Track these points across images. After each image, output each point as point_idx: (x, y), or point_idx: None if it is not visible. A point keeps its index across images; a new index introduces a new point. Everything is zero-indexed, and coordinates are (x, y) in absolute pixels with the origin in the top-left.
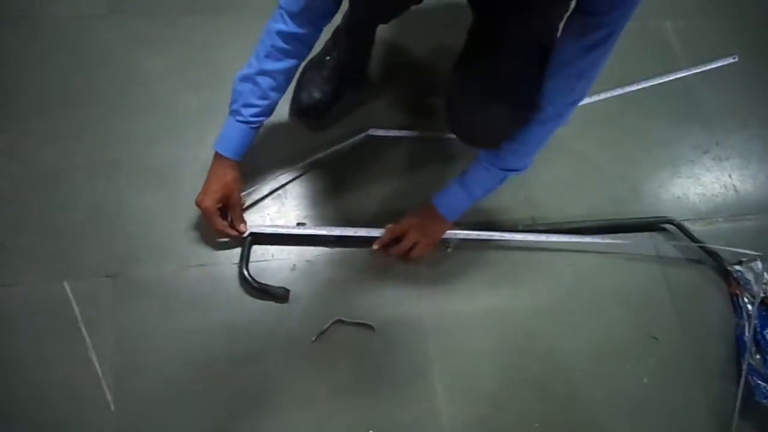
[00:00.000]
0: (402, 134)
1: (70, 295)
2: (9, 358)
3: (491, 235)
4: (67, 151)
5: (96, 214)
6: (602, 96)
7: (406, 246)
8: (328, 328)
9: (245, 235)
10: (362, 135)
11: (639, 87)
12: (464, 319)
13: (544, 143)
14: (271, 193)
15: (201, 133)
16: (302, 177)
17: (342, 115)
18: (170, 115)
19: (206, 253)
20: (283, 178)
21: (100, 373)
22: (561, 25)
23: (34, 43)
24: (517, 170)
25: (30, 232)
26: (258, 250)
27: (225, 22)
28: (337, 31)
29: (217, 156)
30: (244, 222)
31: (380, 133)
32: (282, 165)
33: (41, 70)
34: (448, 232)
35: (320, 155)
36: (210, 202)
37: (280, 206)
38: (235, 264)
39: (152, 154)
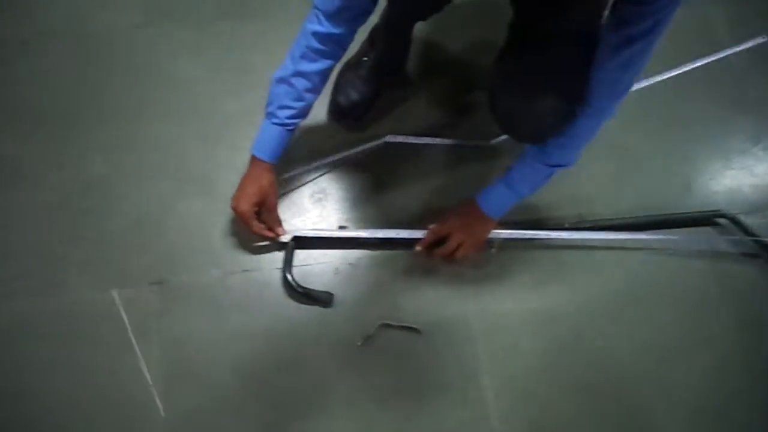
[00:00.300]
0: (421, 141)
1: (119, 303)
2: (60, 366)
3: (537, 234)
4: (112, 161)
5: (141, 221)
6: (645, 83)
7: (450, 247)
8: (374, 332)
9: (288, 239)
10: (379, 141)
11: (683, 70)
12: (512, 320)
13: (592, 137)
14: (300, 185)
15: (241, 137)
16: (342, 179)
17: (380, 115)
18: (210, 120)
19: (250, 258)
20: (316, 175)
21: (149, 379)
22: (606, 13)
23: (74, 56)
24: (563, 165)
25: (78, 241)
26: (300, 255)
27: (260, 25)
28: (374, 31)
29: (253, 159)
30: (281, 225)
31: (399, 139)
32: (314, 162)
33: (81, 82)
34: (493, 231)
35: (346, 153)
36: (246, 206)
37: (321, 209)
38: (278, 269)
39: (194, 160)
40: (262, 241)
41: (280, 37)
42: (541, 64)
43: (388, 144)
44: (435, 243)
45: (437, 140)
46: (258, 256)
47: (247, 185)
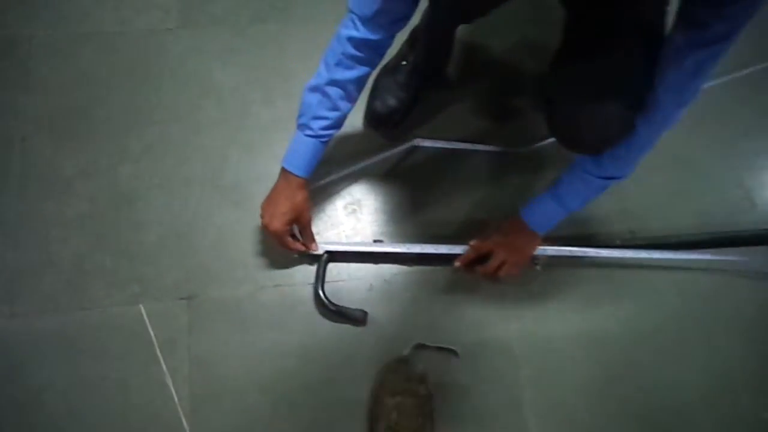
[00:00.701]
0: (451, 146)
1: (146, 318)
2: (87, 381)
3: (585, 252)
4: (141, 170)
5: (170, 233)
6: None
7: (493, 266)
8: (409, 353)
9: (320, 253)
10: (407, 145)
11: (747, 72)
12: (557, 344)
13: (651, 147)
14: (333, 195)
15: (273, 147)
16: (377, 189)
17: (419, 122)
18: (242, 129)
19: (281, 273)
20: (348, 183)
21: (176, 398)
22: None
23: (107, 60)
24: (618, 178)
25: (107, 253)
26: (333, 269)
27: (295, 29)
28: (414, 32)
29: (285, 173)
30: (315, 240)
31: (427, 143)
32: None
33: (114, 86)
34: (538, 248)
35: (374, 159)
36: (279, 225)
37: (356, 222)
38: (310, 284)
39: (225, 170)
40: (295, 255)
41: (321, 43)
42: (602, 66)
43: (425, 152)
44: (476, 260)
45: (472, 146)
46: (290, 270)
47: (279, 202)
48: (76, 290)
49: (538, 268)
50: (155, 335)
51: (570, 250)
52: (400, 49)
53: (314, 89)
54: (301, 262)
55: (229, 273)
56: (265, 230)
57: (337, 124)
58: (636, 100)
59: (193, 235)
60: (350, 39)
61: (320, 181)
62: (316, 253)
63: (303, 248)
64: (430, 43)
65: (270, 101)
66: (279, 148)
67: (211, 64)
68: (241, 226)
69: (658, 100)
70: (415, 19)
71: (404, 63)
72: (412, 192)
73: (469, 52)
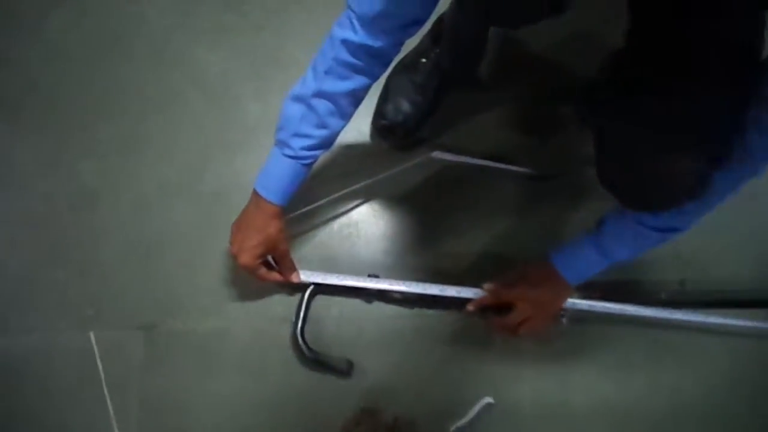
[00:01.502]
0: (477, 162)
1: (95, 348)
2: (26, 416)
3: (624, 310)
4: (107, 167)
5: (134, 246)
6: None
7: (513, 321)
8: (403, 414)
9: (304, 281)
10: (422, 158)
11: None
12: (578, 412)
13: (725, 200)
14: (327, 219)
15: (263, 151)
16: (379, 211)
17: (437, 133)
18: (228, 126)
19: (256, 305)
20: (347, 206)
21: None
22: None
23: (77, 30)
24: (680, 230)
25: (59, 265)
26: (318, 305)
27: (301, 9)
28: (439, 23)
29: (256, 197)
30: (296, 271)
31: (448, 158)
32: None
33: (83, 62)
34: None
35: (382, 175)
36: (249, 259)
37: (350, 249)
38: (289, 321)
39: (204, 173)
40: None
41: (322, 29)
42: (676, 100)
43: (442, 169)
44: (492, 306)
45: (499, 164)
46: (267, 301)
47: (248, 234)
48: (21, 308)
49: (564, 321)
50: (104, 369)
51: (605, 306)
52: (422, 42)
53: (297, 99)
54: (280, 291)
55: (195, 301)
56: (234, 261)
57: (324, 144)
58: (720, 150)
59: (159, 251)
60: (345, 42)
61: (307, 206)
62: (300, 282)
63: (280, 278)
64: (457, 40)
65: (263, 95)
66: (267, 153)
67: (198, 45)
68: (216, 244)
69: (749, 146)
70: (445, 5)
71: (424, 60)
72: (422, 217)
73: (506, 48)
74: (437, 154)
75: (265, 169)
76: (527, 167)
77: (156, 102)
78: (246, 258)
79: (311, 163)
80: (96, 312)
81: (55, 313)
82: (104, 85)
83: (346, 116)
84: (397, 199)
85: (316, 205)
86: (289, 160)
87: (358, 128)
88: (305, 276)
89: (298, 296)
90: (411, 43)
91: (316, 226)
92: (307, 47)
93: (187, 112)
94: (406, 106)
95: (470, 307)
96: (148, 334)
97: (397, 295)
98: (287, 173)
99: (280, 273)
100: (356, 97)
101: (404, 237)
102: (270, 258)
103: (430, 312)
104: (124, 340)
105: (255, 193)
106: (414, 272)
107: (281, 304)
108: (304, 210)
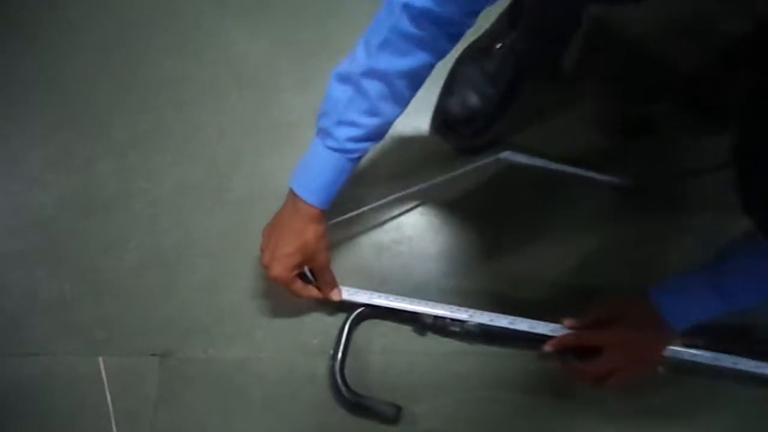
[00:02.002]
0: (559, 168)
1: (104, 375)
2: None
3: (737, 363)
4: (126, 168)
5: (151, 260)
6: None
7: (601, 370)
8: None
9: (348, 304)
10: (489, 159)
11: None
12: None
13: None
14: (372, 227)
15: (302, 151)
16: (436, 223)
17: (510, 127)
18: (264, 122)
19: (290, 333)
20: (397, 212)
21: None
22: None
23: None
24: None
25: (66, 279)
26: (362, 334)
27: None
28: (517, 3)
29: (293, 198)
30: (337, 287)
31: (521, 160)
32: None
33: (102, 47)
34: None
35: (441, 179)
36: (283, 270)
37: (401, 269)
38: (326, 354)
39: (234, 177)
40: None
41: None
42: None
43: (514, 173)
44: (576, 348)
45: (585, 171)
46: (302, 327)
47: (283, 238)
48: (21, 327)
49: (661, 370)
50: (112, 400)
51: (716, 357)
52: (495, 24)
53: (344, 79)
54: (317, 310)
55: (219, 324)
56: (265, 273)
57: (375, 135)
58: None
59: (180, 265)
60: (407, 7)
61: (352, 211)
62: (340, 300)
63: (318, 294)
64: (541, 24)
65: (305, 88)
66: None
67: (234, 29)
68: (244, 258)
69: None
70: None
71: (498, 46)
72: (487, 232)
73: (594, 34)
74: (508, 155)
75: (304, 163)
76: (616, 175)
77: (180, 95)
78: (279, 269)
79: (358, 158)
80: (107, 334)
81: (61, 334)
82: (122, 74)
83: (402, 102)
84: (458, 209)
85: (360, 211)
86: (333, 153)
87: (415, 125)
88: (348, 294)
89: (335, 320)
90: (480, 25)
91: (359, 237)
92: (359, 32)
93: (218, 105)
94: (474, 100)
95: (548, 348)
96: (163, 361)
97: (456, 327)
98: (329, 169)
99: (318, 288)
100: (416, 79)
101: (465, 256)
102: (307, 270)
103: (495, 350)
104: (136, 367)
105: (291, 192)
106: (476, 299)
107: (318, 332)
108: (345, 216)
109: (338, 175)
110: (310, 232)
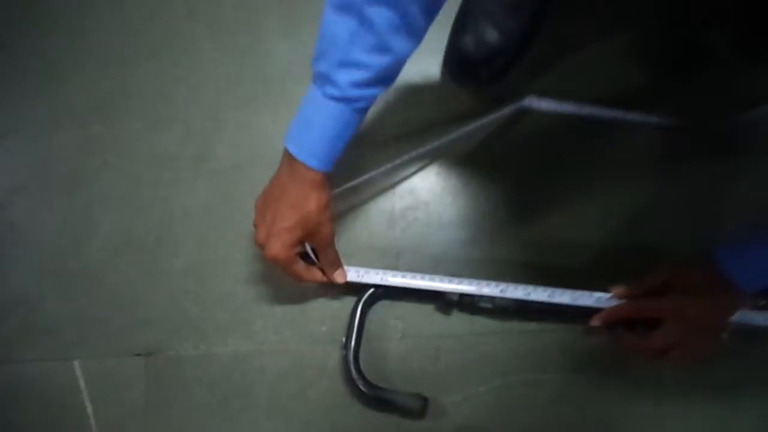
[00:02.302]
0: (588, 112)
1: (81, 381)
2: None
3: None
4: (87, 139)
5: (127, 246)
6: None
7: (661, 344)
8: None
9: (358, 286)
10: (512, 107)
11: None
12: None
13: None
14: (379, 192)
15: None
16: (454, 186)
17: (534, 69)
18: (242, 75)
19: (294, 321)
20: (407, 172)
21: None
22: None
23: None
24: None
25: (31, 274)
26: (377, 314)
27: None
28: None
29: (290, 160)
30: (342, 267)
31: (546, 106)
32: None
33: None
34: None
35: (457, 134)
36: (281, 249)
37: (418, 240)
38: (337, 344)
39: (215, 144)
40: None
41: None
42: None
43: (540, 122)
44: (629, 320)
45: (625, 113)
46: (308, 312)
47: (281, 213)
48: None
49: (725, 336)
50: (94, 411)
51: None
52: None
53: (344, 8)
54: (323, 295)
55: (211, 317)
56: (261, 253)
57: (384, 77)
58: None
59: (160, 251)
60: None
61: (356, 179)
62: (345, 282)
63: (322, 278)
64: None
65: (294, 30)
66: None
67: None
68: (234, 238)
69: None
70: None
71: None
72: (515, 191)
73: None
74: (532, 101)
75: (300, 118)
76: (663, 116)
77: (147, 45)
78: (277, 247)
79: (365, 109)
80: (80, 335)
81: (27, 337)
82: (79, 28)
83: (416, 34)
84: (479, 167)
85: (366, 177)
86: (334, 103)
87: (423, 69)
88: (357, 275)
89: (345, 304)
90: None
91: (366, 206)
92: None
93: (190, 58)
94: (492, 36)
95: (596, 321)
96: (149, 361)
97: (486, 303)
98: (331, 123)
99: (321, 268)
100: (433, 2)
101: (491, 220)
102: (308, 248)
103: (533, 326)
104: (118, 370)
105: (287, 154)
106: (507, 270)
107: (326, 318)
108: (349, 185)
109: (342, 130)
110: (312, 201)
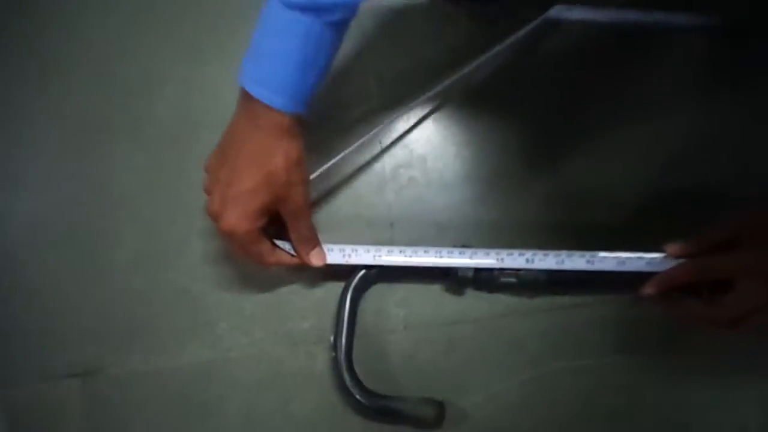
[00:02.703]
0: (619, 18)
1: (4, 414)
2: None
3: None
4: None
5: (46, 242)
6: None
7: (736, 310)
8: None
9: (340, 263)
10: (535, 23)
11: None
12: None
13: None
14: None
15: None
16: (461, 131)
17: None
18: (179, 12)
19: (267, 319)
20: (410, 123)
21: None
22: None
23: None
24: None
25: None
26: (372, 301)
27: None
28: None
29: (249, 104)
30: (319, 245)
31: (578, 15)
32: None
33: None
34: None
35: (469, 68)
36: (243, 218)
37: (417, 204)
38: (326, 340)
39: (148, 101)
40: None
41: None
42: None
43: (568, 38)
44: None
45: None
46: (284, 305)
47: (241, 171)
48: None
49: None
50: None
51: None
52: None
53: None
54: (303, 277)
55: (162, 322)
56: (215, 228)
57: None
58: None
59: (92, 243)
60: None
61: (334, 153)
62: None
63: (293, 260)
64: None
65: None
66: None
67: None
68: (184, 218)
69: None
70: None
71: None
72: (536, 132)
73: None
74: (558, 12)
75: (257, 45)
76: (713, 15)
77: None
78: (234, 216)
79: (341, 24)
80: (7, 355)
81: None
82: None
83: None
84: (488, 108)
85: (347, 152)
86: (300, 15)
87: None
88: (340, 255)
89: (330, 292)
90: None
91: (351, 169)
92: None
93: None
94: None
95: (649, 289)
96: (87, 383)
97: (509, 278)
98: (298, 44)
99: (296, 250)
100: None
101: (506, 174)
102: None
103: (569, 301)
104: (50, 394)
105: (243, 95)
106: (532, 234)
107: (308, 312)
108: (326, 167)
109: (312, 55)
110: (278, 154)
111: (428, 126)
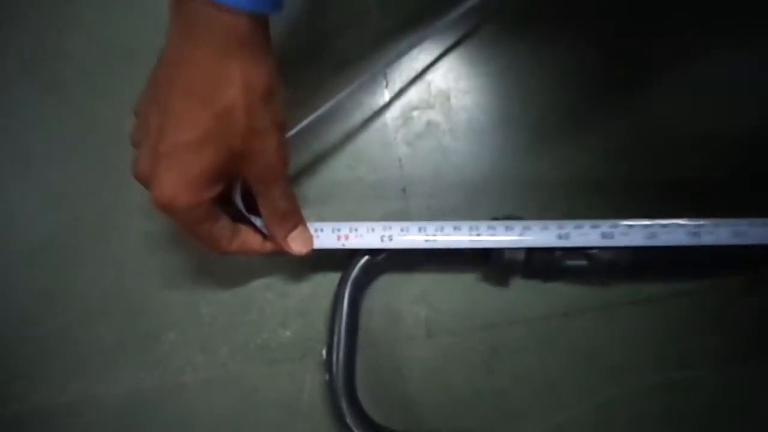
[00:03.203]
0: None
1: None
2: None
3: None
4: None
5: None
6: None
7: None
8: None
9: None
10: None
11: None
12: None
13: None
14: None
15: None
16: (485, 72)
17: None
18: None
19: (235, 328)
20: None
21: None
22: None
23: None
24: None
25: None
26: (377, 302)
27: None
28: None
29: (188, 7)
30: (303, 224)
31: None
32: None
33: None
34: None
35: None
36: (183, 187)
37: (439, 154)
38: (317, 356)
39: (63, 40)
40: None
41: None
42: None
43: None
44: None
45: None
46: (257, 310)
47: (176, 112)
48: None
49: None
50: None
51: None
52: None
53: None
54: (281, 268)
55: (85, 335)
56: (154, 205)
57: None
58: None
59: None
60: None
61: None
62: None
63: (266, 246)
64: None
65: None
66: None
67: None
68: (114, 192)
69: None
70: None
71: None
72: (591, 58)
73: None
74: None
75: None
76: None
77: None
78: (170, 182)
79: None
80: None
81: None
82: None
83: None
84: (537, 25)
85: (347, 91)
86: None
87: None
88: (330, 238)
89: (321, 286)
90: None
91: (348, 115)
92: None
93: None
94: None
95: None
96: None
97: (577, 261)
98: None
99: (270, 231)
100: None
101: (561, 113)
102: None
103: (657, 291)
104: None
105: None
106: (603, 199)
107: (291, 316)
108: (318, 113)
109: None
110: (234, 81)
111: (452, 52)
